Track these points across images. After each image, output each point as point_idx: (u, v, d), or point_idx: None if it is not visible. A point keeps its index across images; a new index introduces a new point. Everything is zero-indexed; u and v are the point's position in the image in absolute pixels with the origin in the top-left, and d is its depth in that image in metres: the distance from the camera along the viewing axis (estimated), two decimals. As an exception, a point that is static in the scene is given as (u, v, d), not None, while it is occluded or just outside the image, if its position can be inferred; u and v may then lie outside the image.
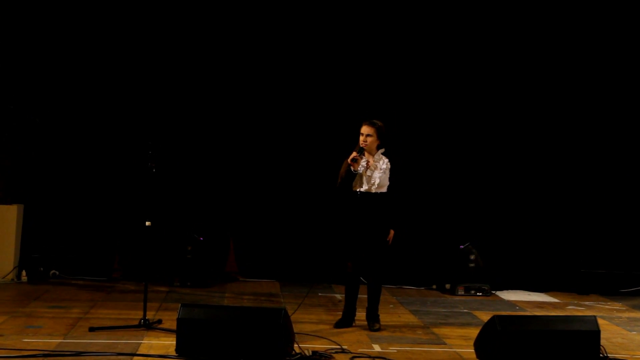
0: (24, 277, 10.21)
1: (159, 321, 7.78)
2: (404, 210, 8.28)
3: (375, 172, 7.81)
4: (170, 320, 7.61)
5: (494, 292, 10.49)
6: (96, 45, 10.60)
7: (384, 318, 8.25)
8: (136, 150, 9.59)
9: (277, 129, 10.84)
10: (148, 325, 7.55)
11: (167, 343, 6.98)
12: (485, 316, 8.38)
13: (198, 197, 10.82)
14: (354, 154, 7.71)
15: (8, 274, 10.13)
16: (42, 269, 10.34)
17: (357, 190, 7.82)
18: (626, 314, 9.30)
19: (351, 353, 6.87)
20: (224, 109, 10.80)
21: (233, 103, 10.81)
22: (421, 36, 10.82)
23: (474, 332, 7.09)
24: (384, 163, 7.87)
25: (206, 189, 10.85)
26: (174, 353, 6.51)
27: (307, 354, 6.67)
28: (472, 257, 10.41)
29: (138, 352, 6.70)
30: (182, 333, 6.43)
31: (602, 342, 6.58)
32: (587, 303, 10.01)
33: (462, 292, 10.29)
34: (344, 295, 8.10)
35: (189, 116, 10.75)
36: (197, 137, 10.77)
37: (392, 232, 7.91)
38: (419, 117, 10.86)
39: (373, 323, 7.93)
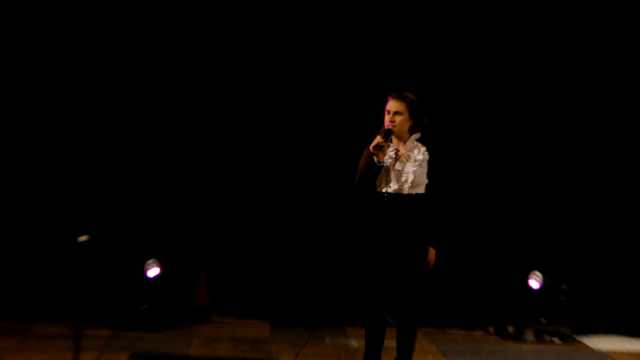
0: None
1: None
2: (448, 220, 7.43)
3: (408, 165, 6.91)
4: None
5: (577, 337, 9.45)
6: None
7: (420, 375, 7.44)
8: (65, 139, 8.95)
9: (266, 112, 9.90)
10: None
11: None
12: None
13: (155, 206, 9.75)
14: (378, 138, 6.81)
15: None
16: None
17: (384, 191, 6.93)
18: None
19: None
20: (197, 94, 9.82)
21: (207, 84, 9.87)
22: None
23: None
24: (419, 153, 6.97)
25: (167, 195, 9.76)
26: None
27: None
28: (547, 288, 9.48)
29: None
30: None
31: None
32: None
33: (532, 338, 9.33)
34: (362, 341, 7.13)
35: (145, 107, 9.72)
36: (155, 131, 9.75)
37: (432, 251, 6.97)
38: (467, 90, 9.71)
39: (404, 382, 7.11)
